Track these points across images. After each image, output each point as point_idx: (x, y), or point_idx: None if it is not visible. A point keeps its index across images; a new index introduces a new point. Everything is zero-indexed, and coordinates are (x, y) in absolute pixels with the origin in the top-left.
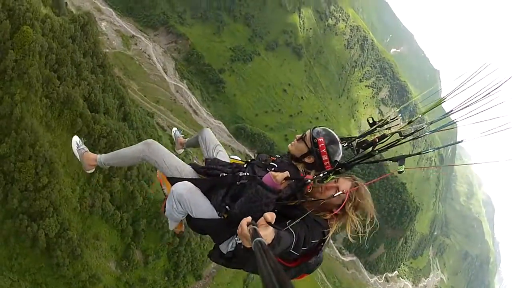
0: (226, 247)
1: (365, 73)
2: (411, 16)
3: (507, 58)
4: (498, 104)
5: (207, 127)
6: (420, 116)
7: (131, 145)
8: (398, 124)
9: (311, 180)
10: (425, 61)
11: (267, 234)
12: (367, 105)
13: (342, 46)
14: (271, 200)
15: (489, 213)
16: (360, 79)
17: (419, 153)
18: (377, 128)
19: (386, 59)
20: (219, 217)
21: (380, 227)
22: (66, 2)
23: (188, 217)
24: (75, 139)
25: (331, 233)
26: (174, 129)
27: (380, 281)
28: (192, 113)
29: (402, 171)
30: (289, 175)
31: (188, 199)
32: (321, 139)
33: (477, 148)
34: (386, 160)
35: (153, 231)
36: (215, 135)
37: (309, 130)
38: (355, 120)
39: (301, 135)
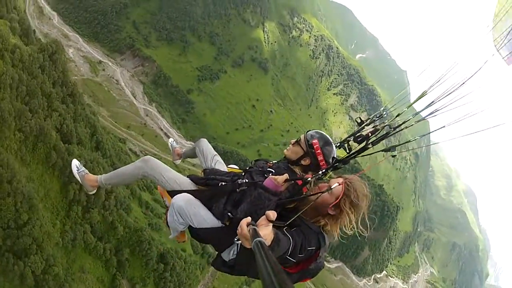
0: (228, 254)
1: (332, 81)
2: (375, 21)
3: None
4: (471, 92)
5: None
6: (406, 109)
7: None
8: (384, 122)
9: (311, 179)
10: (391, 63)
11: (267, 234)
12: (336, 112)
13: (307, 57)
14: (273, 202)
15: (472, 202)
16: (328, 87)
17: (408, 141)
18: (365, 127)
19: (353, 65)
20: (221, 225)
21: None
22: (34, 30)
23: (190, 227)
24: (75, 162)
25: (329, 239)
26: (171, 139)
27: (369, 283)
28: (164, 136)
29: (395, 155)
30: (288, 177)
31: (188, 211)
32: (315, 141)
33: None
34: (379, 151)
35: (137, 259)
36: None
37: (303, 134)
38: (326, 129)
39: (296, 139)
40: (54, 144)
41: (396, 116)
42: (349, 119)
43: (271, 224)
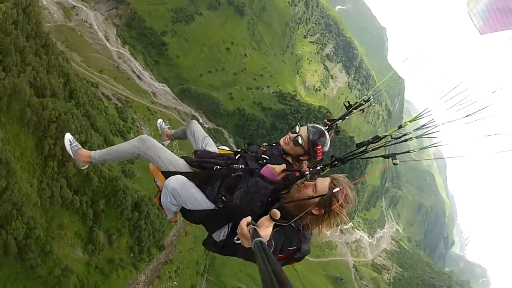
0: (219, 235)
1: (310, 29)
2: None
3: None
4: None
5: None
6: (408, 122)
7: (123, 142)
8: (370, 105)
9: (308, 173)
10: (371, 18)
11: (267, 234)
12: (311, 61)
13: (286, 3)
14: (269, 191)
15: (441, 166)
16: (305, 35)
17: (407, 152)
18: (353, 111)
19: (331, 16)
20: (213, 208)
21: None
22: None
23: (183, 208)
24: (68, 136)
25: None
26: (160, 120)
27: (335, 233)
28: (136, 79)
29: (397, 163)
30: (286, 168)
31: (182, 193)
32: (319, 147)
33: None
34: (379, 156)
35: (112, 209)
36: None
37: (304, 128)
38: (300, 76)
39: (294, 135)
40: (28, 100)
41: (398, 128)
42: (324, 68)
43: (272, 225)
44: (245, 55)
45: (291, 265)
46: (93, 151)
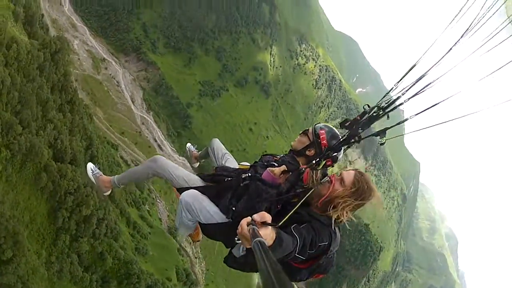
0: (238, 250)
1: (331, 113)
2: (379, 56)
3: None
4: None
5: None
6: (394, 87)
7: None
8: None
9: (305, 168)
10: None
11: (267, 234)
12: None
13: (310, 86)
14: (271, 195)
15: (452, 246)
16: (326, 119)
17: (399, 123)
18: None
19: (353, 99)
20: (227, 221)
21: (344, 267)
22: (42, 14)
23: (202, 224)
24: (90, 165)
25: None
26: (188, 144)
27: None
28: (157, 148)
29: (384, 143)
30: (286, 169)
31: (195, 207)
32: (322, 132)
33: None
34: (369, 136)
35: None
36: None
37: (312, 125)
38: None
39: (304, 130)
40: (46, 163)
41: (383, 97)
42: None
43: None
44: (267, 137)
45: (317, 278)
46: (112, 176)
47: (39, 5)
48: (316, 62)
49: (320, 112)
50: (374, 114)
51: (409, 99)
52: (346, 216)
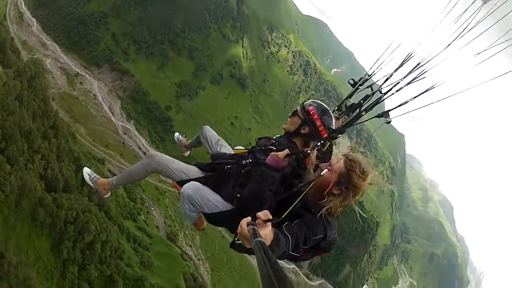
0: None
1: (310, 97)
2: (350, 35)
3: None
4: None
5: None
6: (393, 72)
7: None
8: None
9: (310, 151)
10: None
11: (267, 233)
12: None
13: (285, 73)
14: (276, 179)
15: (448, 212)
16: None
17: (405, 103)
18: (359, 87)
19: (330, 81)
20: (231, 208)
21: (344, 247)
22: (12, 37)
23: (206, 214)
24: (86, 170)
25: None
26: (176, 133)
27: None
28: (143, 156)
29: (390, 121)
30: (289, 152)
31: (198, 198)
32: (311, 107)
33: (426, 153)
34: (373, 118)
35: None
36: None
37: (299, 104)
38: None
39: (293, 111)
40: (40, 197)
41: (385, 81)
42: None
43: (269, 224)
44: (249, 129)
45: (321, 255)
46: (110, 178)
47: (8, 29)
48: (288, 48)
49: (298, 98)
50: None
51: (408, 83)
52: (339, 206)
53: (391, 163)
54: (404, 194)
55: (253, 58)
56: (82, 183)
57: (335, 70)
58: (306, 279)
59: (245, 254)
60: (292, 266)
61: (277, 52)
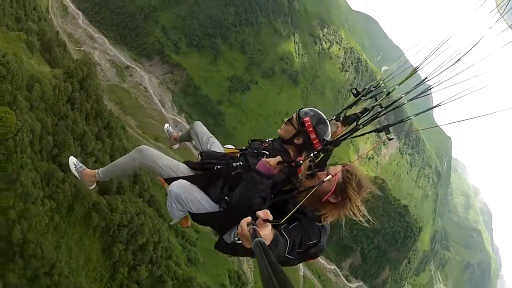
0: (229, 237)
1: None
2: (400, 32)
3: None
4: (468, 67)
5: None
6: (396, 86)
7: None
8: (382, 92)
9: (303, 161)
10: (416, 76)
11: (266, 234)
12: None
13: (337, 70)
14: (267, 186)
15: (487, 220)
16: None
17: (401, 121)
18: (362, 98)
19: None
20: (219, 210)
21: (385, 250)
22: (57, 31)
23: (192, 213)
24: (72, 159)
25: (328, 220)
26: (166, 125)
27: None
28: (193, 149)
29: (392, 138)
30: (281, 160)
31: (185, 197)
32: (307, 119)
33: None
34: (371, 132)
35: None
36: None
37: (295, 112)
38: (353, 145)
39: (289, 117)
40: (94, 201)
41: (387, 95)
42: (376, 135)
43: (269, 224)
44: None
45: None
46: (96, 170)
47: (52, 23)
48: (340, 45)
49: (349, 95)
50: (374, 112)
51: (409, 101)
52: (334, 215)
53: (437, 167)
54: (447, 199)
55: (305, 54)
56: (134, 180)
57: (385, 68)
58: (345, 280)
59: None
60: (333, 267)
61: (329, 48)
